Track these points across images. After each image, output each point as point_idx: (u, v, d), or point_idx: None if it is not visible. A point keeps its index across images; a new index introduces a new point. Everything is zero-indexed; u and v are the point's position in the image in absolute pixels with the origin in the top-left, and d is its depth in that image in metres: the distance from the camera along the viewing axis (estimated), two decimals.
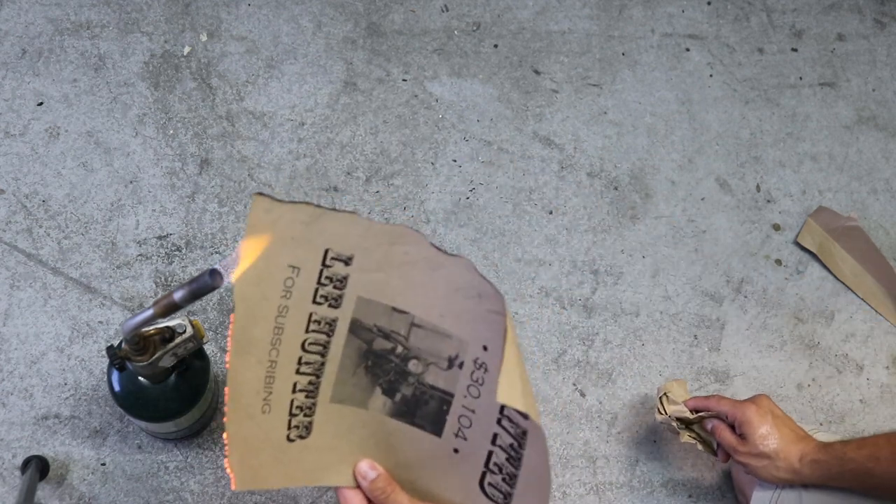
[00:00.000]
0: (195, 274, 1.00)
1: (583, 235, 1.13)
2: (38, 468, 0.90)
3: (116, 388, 0.83)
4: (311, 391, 0.67)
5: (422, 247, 0.65)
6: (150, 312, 0.67)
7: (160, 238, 1.05)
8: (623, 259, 1.13)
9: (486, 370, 0.66)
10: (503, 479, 0.67)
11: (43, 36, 1.14)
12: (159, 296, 0.92)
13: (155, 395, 0.83)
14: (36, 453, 0.93)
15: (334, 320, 0.67)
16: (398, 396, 0.68)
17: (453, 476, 0.68)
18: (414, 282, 0.66)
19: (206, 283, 0.63)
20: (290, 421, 0.66)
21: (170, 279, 1.03)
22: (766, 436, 0.88)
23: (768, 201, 1.20)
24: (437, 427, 0.68)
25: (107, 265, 1.03)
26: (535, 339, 1.07)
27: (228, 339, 0.63)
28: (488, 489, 0.67)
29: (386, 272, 0.67)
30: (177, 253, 1.05)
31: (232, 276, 0.62)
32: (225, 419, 0.62)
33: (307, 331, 0.66)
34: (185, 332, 0.76)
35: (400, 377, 0.68)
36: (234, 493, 0.95)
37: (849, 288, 1.15)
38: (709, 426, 0.93)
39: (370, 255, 0.66)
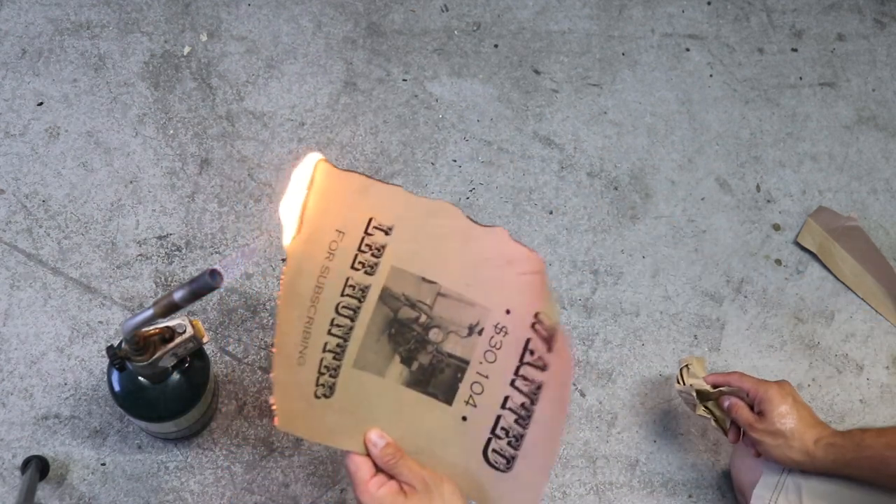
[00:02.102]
0: (195, 274, 1.00)
1: (583, 235, 1.13)
2: (38, 468, 0.90)
3: (116, 388, 0.83)
4: (338, 353, 0.71)
5: (458, 220, 0.70)
6: (150, 312, 0.67)
7: (160, 238, 1.05)
8: (623, 259, 1.13)
9: (505, 333, 0.71)
10: (508, 443, 0.71)
11: (43, 36, 1.14)
12: (159, 296, 0.92)
13: (155, 395, 0.83)
14: (36, 453, 0.93)
15: (367, 287, 0.71)
16: (415, 365, 0.72)
17: (457, 445, 0.72)
18: (445, 253, 0.71)
19: (206, 283, 0.64)
20: (318, 378, 0.71)
21: (170, 279, 1.03)
22: (785, 414, 0.88)
23: (768, 201, 1.20)
24: (448, 395, 0.72)
25: (107, 265, 1.03)
26: None
27: (280, 287, 0.68)
28: (491, 456, 0.72)
29: (420, 243, 0.72)
30: (177, 253, 1.05)
31: (283, 238, 0.67)
32: (273, 361, 0.68)
33: (342, 294, 0.71)
34: (185, 332, 0.76)
35: (419, 346, 0.72)
36: (234, 492, 0.95)
37: (849, 288, 1.15)
38: (726, 403, 0.94)
39: (408, 225, 0.71)
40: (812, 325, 1.13)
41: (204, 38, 1.17)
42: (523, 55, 1.23)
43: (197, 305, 1.02)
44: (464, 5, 1.25)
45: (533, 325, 0.71)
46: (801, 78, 1.28)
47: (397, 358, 0.72)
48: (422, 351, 0.72)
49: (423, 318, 0.72)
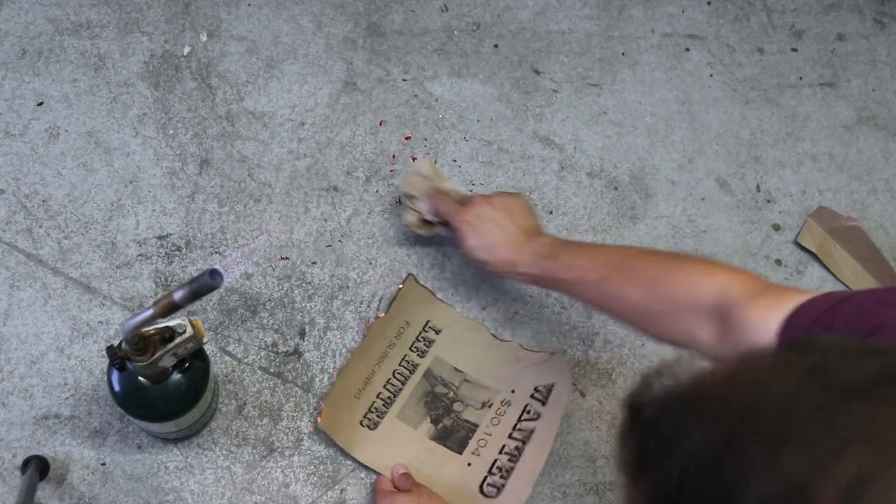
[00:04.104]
0: (195, 274, 1.00)
1: (583, 235, 1.13)
2: (38, 468, 0.90)
3: (116, 388, 0.83)
4: (387, 403, 1.01)
5: (484, 335, 1.05)
6: (150, 312, 0.67)
7: (160, 238, 1.05)
8: None
9: (509, 405, 1.02)
10: (500, 476, 0.98)
11: (43, 36, 1.14)
12: (159, 296, 0.92)
13: (155, 395, 0.83)
14: (36, 453, 0.93)
15: (417, 365, 1.03)
16: (440, 425, 1.01)
17: (461, 481, 0.98)
18: (473, 354, 1.04)
19: (206, 283, 0.64)
20: (366, 412, 0.99)
21: (170, 279, 1.03)
22: (473, 248, 0.95)
23: (768, 201, 1.20)
24: (460, 448, 1.00)
25: (107, 265, 1.03)
26: (535, 339, 1.07)
27: (363, 337, 1.02)
28: (486, 488, 0.98)
29: (457, 345, 1.04)
30: (177, 253, 1.05)
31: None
32: (332, 385, 0.99)
33: (399, 364, 1.02)
34: (185, 332, 0.76)
35: (445, 412, 1.01)
36: (234, 492, 0.95)
37: (849, 288, 1.15)
38: (427, 202, 1.02)
39: (452, 332, 1.05)
40: None
41: (204, 38, 1.17)
42: (523, 55, 1.23)
43: (197, 305, 1.02)
44: (464, 5, 1.25)
45: (532, 395, 1.02)
46: (801, 78, 1.28)
47: (428, 419, 1.01)
48: (446, 416, 1.01)
49: (450, 394, 1.02)
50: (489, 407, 1.02)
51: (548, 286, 0.96)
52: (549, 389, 1.02)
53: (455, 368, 1.03)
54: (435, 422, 1.00)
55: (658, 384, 0.46)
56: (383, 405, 1.00)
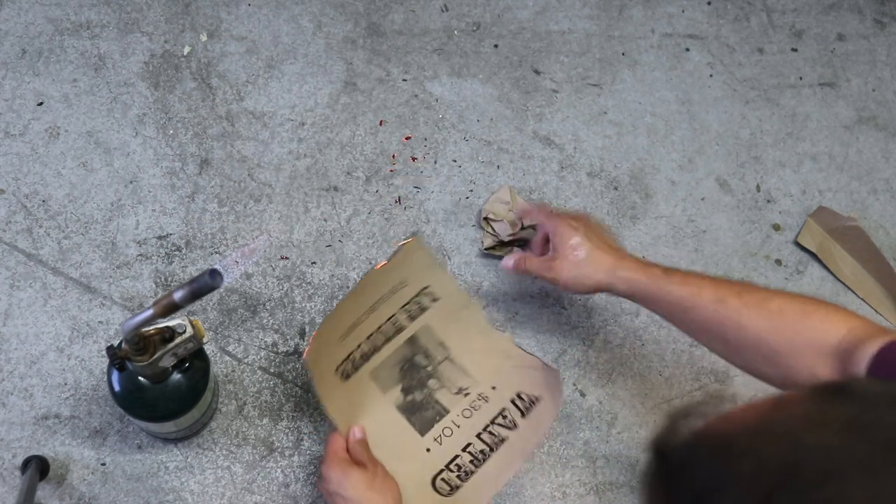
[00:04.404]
0: (195, 274, 1.00)
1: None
2: (38, 468, 0.90)
3: (116, 388, 0.83)
4: (365, 357, 0.93)
5: (480, 319, 0.98)
6: (150, 312, 0.67)
7: (160, 238, 1.05)
8: None
9: (486, 401, 0.95)
10: (458, 476, 0.91)
11: (43, 36, 1.14)
12: (159, 296, 0.92)
13: (155, 395, 0.83)
14: (36, 453, 0.92)
15: (404, 328, 0.95)
16: (410, 397, 0.95)
17: (414, 467, 0.91)
18: (465, 335, 0.97)
19: (206, 283, 0.64)
20: (342, 361, 0.91)
21: (170, 279, 1.03)
22: (577, 246, 0.89)
23: (768, 201, 1.20)
24: (423, 429, 0.94)
25: (107, 265, 1.03)
26: (535, 339, 1.07)
27: (359, 283, 0.88)
28: (438, 483, 0.91)
29: (451, 319, 0.97)
30: (177, 253, 1.05)
31: (379, 265, 0.87)
32: (324, 321, 0.87)
33: (385, 321, 0.94)
34: (185, 332, 0.76)
35: (419, 385, 0.96)
36: (234, 492, 0.95)
37: (849, 288, 1.15)
38: (510, 261, 0.98)
39: (448, 304, 0.97)
40: None
41: (204, 38, 1.17)
42: (523, 55, 1.23)
43: (197, 305, 1.02)
44: (464, 5, 1.25)
45: (513, 400, 0.95)
46: (801, 78, 1.28)
47: (400, 386, 0.95)
48: (419, 389, 0.95)
49: (430, 368, 0.96)
50: (465, 395, 0.96)
51: (651, 299, 0.86)
52: (533, 402, 0.94)
53: (441, 343, 0.97)
54: (406, 391, 0.95)
55: (685, 427, 0.43)
56: (360, 358, 0.93)
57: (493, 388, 0.96)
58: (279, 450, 0.97)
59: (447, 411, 0.95)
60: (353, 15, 1.22)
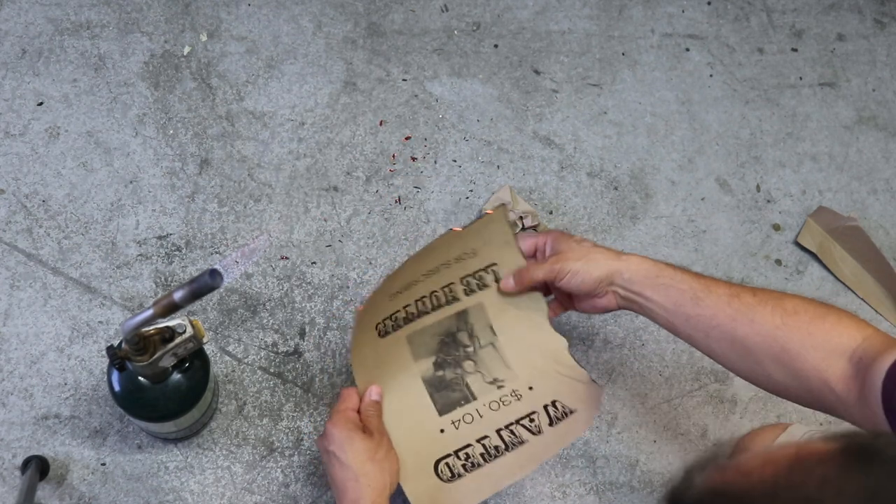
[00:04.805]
0: (195, 274, 1.00)
1: (583, 235, 1.13)
2: (38, 468, 0.90)
3: (116, 388, 0.83)
4: (409, 318, 0.89)
5: (541, 313, 0.91)
6: (150, 312, 0.67)
7: (160, 238, 1.05)
8: None
9: (518, 398, 0.89)
10: (463, 465, 0.86)
11: (43, 36, 1.14)
12: (159, 296, 0.92)
13: (155, 395, 0.83)
14: (36, 453, 0.93)
15: (457, 300, 0.90)
16: (440, 372, 0.90)
17: (422, 444, 0.86)
18: (516, 325, 0.91)
19: (206, 283, 0.64)
20: (386, 318, 0.87)
21: (170, 279, 1.03)
22: (581, 240, 0.85)
23: (768, 201, 1.20)
24: (444, 410, 0.89)
25: (107, 265, 1.03)
26: None
27: (430, 244, 0.85)
28: (440, 467, 0.86)
29: (508, 307, 0.91)
30: (177, 253, 1.05)
31: (458, 228, 0.85)
32: (383, 279, 0.84)
33: (440, 288, 0.90)
34: (185, 332, 0.76)
35: (453, 363, 0.90)
36: (233, 492, 0.95)
37: (849, 288, 1.15)
38: (511, 282, 0.90)
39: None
40: None
41: (204, 38, 1.17)
42: (523, 55, 1.23)
43: (197, 305, 1.02)
44: (464, 5, 1.25)
45: (546, 406, 0.89)
46: (801, 78, 1.28)
47: (433, 358, 0.90)
48: (451, 367, 0.90)
49: (470, 349, 0.91)
50: (498, 387, 0.90)
51: (660, 299, 0.81)
52: (566, 413, 0.88)
53: (490, 327, 0.91)
54: (437, 365, 0.90)
55: (700, 479, 0.42)
56: (404, 319, 0.88)
57: (531, 388, 0.90)
58: (279, 450, 0.97)
59: (474, 398, 0.89)
60: (353, 15, 1.22)
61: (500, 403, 0.89)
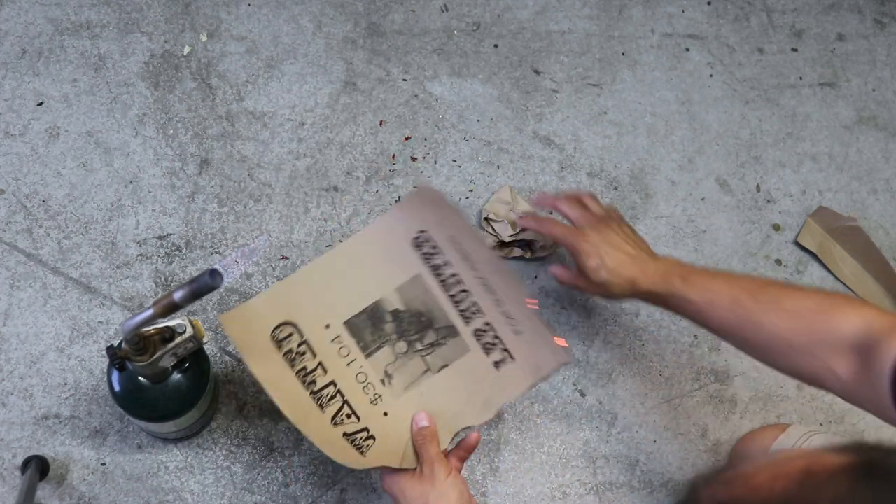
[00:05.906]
0: (195, 274, 1.00)
1: None
2: (38, 468, 0.90)
3: (116, 388, 0.83)
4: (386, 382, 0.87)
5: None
6: (150, 312, 0.67)
7: (160, 238, 1.05)
8: None
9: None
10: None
11: (43, 36, 1.14)
12: (159, 296, 0.92)
13: (155, 395, 0.83)
14: (36, 453, 0.93)
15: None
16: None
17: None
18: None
19: (206, 283, 0.64)
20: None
21: (170, 279, 1.03)
22: (597, 268, 0.91)
23: (768, 201, 1.20)
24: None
25: (107, 265, 1.03)
26: None
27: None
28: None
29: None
30: (177, 253, 1.05)
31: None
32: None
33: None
34: (185, 332, 0.76)
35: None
36: (233, 492, 0.95)
37: (849, 288, 1.15)
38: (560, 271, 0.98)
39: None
40: None
41: (204, 38, 1.17)
42: (523, 55, 1.23)
43: (197, 305, 1.02)
44: (464, 5, 1.25)
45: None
46: (801, 78, 1.28)
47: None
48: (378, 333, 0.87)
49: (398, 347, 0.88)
50: (370, 385, 0.86)
51: (674, 307, 0.88)
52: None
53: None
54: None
55: (708, 496, 0.42)
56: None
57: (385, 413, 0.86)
58: (279, 450, 0.97)
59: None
60: (353, 15, 1.22)
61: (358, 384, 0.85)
